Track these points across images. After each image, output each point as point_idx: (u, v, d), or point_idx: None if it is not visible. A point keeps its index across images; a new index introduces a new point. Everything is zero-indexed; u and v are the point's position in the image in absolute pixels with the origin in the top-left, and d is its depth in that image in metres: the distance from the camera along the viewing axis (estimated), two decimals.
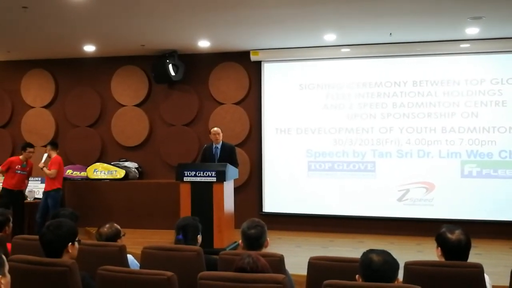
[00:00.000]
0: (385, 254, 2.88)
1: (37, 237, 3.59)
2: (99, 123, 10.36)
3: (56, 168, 8.56)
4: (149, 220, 9.27)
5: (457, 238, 3.40)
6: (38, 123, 10.51)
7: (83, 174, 9.86)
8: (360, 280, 2.88)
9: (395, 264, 2.87)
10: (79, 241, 3.49)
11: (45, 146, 9.20)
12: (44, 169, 8.53)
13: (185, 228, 4.22)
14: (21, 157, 8.85)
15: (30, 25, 7.43)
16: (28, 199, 9.30)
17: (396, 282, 2.85)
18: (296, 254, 7.49)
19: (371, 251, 2.91)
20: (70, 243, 3.37)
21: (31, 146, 9.04)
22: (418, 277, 3.33)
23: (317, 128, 9.26)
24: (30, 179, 9.23)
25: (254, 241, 3.78)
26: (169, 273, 3.18)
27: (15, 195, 8.77)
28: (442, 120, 8.74)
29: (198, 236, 4.28)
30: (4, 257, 2.55)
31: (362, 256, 2.92)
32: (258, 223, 3.84)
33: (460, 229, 3.46)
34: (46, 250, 3.35)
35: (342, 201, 9.13)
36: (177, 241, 4.19)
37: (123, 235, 4.39)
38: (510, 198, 8.47)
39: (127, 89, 10.12)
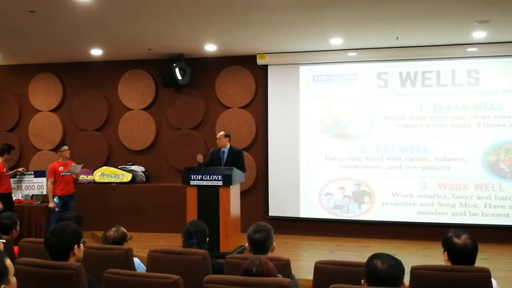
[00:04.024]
0: (390, 259, 2.86)
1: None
2: (106, 127, 10.39)
3: None
4: (156, 224, 9.28)
5: (463, 242, 3.38)
6: (45, 126, 10.55)
7: (90, 177, 9.88)
8: (366, 285, 2.87)
9: (401, 269, 2.84)
10: (84, 242, 3.49)
11: (55, 148, 9.09)
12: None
13: (197, 232, 4.25)
14: (1, 160, 8.62)
15: (38, 29, 7.46)
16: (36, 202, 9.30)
17: (402, 286, 2.83)
18: (302, 258, 7.51)
19: (375, 257, 2.88)
20: (76, 246, 3.38)
21: (13, 148, 9.00)
22: (424, 282, 3.33)
23: (324, 132, 9.25)
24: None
25: (259, 245, 3.77)
26: (175, 277, 3.18)
27: (11, 198, 8.77)
28: (450, 124, 8.71)
29: (207, 239, 4.32)
30: (7, 264, 2.53)
31: (366, 264, 2.89)
32: (264, 227, 3.83)
33: (466, 234, 3.44)
34: (52, 254, 3.36)
35: (349, 205, 9.11)
36: (189, 245, 4.19)
37: (130, 238, 4.40)
38: None
39: (134, 93, 10.15)
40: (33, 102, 10.60)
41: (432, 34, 7.84)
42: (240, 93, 9.66)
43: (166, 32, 7.77)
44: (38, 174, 9.20)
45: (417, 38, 8.15)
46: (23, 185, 9.17)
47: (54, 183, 8.46)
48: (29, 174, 9.26)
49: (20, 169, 9.21)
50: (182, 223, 4.78)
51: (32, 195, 9.14)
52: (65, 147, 8.67)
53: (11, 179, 8.84)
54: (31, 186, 9.18)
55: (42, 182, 9.10)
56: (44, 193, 9.00)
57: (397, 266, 2.84)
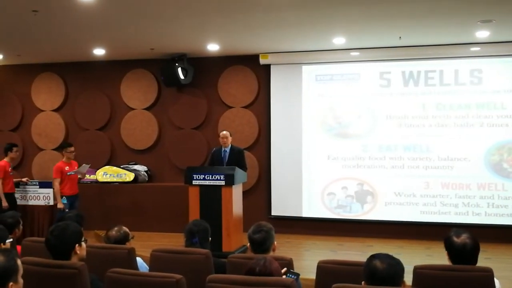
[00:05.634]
0: (389, 259, 2.85)
1: None
2: (108, 127, 10.40)
3: None
4: (158, 223, 9.29)
5: (462, 242, 3.38)
6: (48, 126, 10.56)
7: (92, 177, 9.88)
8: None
9: (400, 268, 2.83)
10: (85, 241, 3.49)
11: (59, 147, 9.10)
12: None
13: (199, 232, 4.25)
14: (7, 159, 8.62)
15: (40, 29, 7.47)
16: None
17: (402, 285, 2.83)
18: (305, 258, 7.51)
19: (373, 257, 2.87)
20: (77, 245, 3.38)
21: (16, 145, 8.96)
22: (427, 282, 3.32)
23: (326, 132, 9.24)
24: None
25: (259, 245, 3.76)
26: (178, 276, 3.19)
27: (14, 198, 8.76)
28: (453, 123, 8.69)
29: (209, 239, 4.33)
30: (19, 263, 2.55)
31: (365, 266, 2.87)
32: (263, 227, 3.81)
33: (467, 233, 3.44)
34: (53, 255, 3.36)
35: (352, 204, 9.10)
36: (191, 245, 4.19)
37: (132, 238, 4.41)
38: None
39: (137, 92, 10.16)
40: (36, 102, 10.61)
41: (435, 33, 7.82)
42: (243, 92, 9.66)
43: (169, 32, 7.77)
44: (43, 184, 9.09)
45: (420, 38, 8.14)
46: (28, 195, 9.10)
47: (60, 183, 8.46)
48: (34, 185, 9.17)
49: (23, 179, 9.18)
50: (185, 223, 4.78)
51: None
52: (72, 148, 8.64)
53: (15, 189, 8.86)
54: (37, 197, 9.10)
55: (49, 193, 9.00)
56: (51, 203, 8.96)
57: (396, 265, 2.83)
